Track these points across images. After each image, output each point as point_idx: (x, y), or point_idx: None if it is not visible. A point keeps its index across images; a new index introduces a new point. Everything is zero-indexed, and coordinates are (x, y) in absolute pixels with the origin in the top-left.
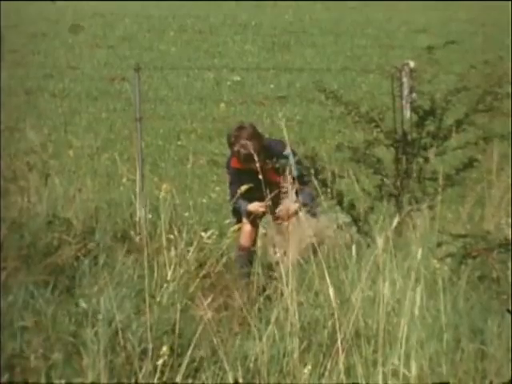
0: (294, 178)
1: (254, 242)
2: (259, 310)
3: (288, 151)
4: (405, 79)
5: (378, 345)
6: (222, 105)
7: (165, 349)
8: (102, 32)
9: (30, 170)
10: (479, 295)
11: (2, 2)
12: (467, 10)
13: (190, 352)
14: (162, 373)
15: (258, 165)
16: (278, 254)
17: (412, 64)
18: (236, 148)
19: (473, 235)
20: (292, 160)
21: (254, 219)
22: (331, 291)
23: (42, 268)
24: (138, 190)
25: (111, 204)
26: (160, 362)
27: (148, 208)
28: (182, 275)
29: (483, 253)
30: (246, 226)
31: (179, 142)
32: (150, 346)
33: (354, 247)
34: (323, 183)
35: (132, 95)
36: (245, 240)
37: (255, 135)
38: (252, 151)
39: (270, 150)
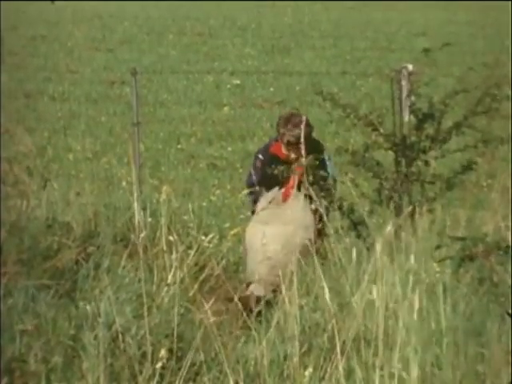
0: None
1: None
2: (259, 313)
3: (326, 155)
4: (404, 82)
5: (378, 348)
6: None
7: (163, 352)
8: (101, 35)
9: (29, 174)
10: (479, 298)
11: (1, 3)
12: (467, 11)
13: (190, 355)
14: (162, 376)
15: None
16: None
17: (411, 67)
18: (284, 131)
19: (471, 238)
20: (329, 164)
21: None
22: (327, 295)
23: (42, 271)
24: (135, 193)
25: (110, 207)
26: (158, 365)
27: (148, 211)
28: (181, 279)
29: (482, 255)
30: None
31: (179, 146)
32: (150, 350)
33: (353, 251)
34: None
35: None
36: None
37: (307, 124)
38: (302, 138)
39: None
